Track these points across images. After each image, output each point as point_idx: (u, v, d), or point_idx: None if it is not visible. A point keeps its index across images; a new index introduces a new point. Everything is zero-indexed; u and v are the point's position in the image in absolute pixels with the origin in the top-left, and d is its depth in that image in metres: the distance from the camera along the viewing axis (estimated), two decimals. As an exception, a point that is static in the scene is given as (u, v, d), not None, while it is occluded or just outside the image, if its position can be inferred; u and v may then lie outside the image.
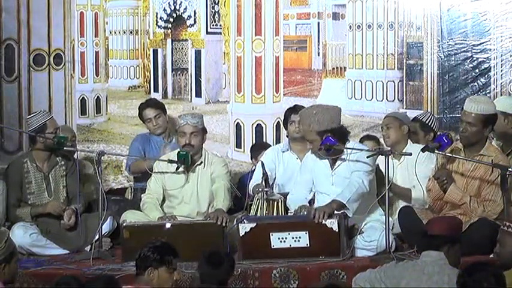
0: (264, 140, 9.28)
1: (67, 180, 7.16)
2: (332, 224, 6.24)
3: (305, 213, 6.44)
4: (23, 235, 6.80)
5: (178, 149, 7.02)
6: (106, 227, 6.93)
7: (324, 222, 6.22)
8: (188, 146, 6.95)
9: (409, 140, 7.17)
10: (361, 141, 7.64)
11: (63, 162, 7.19)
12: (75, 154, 7.46)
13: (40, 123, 7.03)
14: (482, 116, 6.41)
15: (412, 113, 7.96)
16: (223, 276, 5.27)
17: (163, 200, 7.10)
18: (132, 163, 7.76)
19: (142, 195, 7.15)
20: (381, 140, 7.79)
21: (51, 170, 7.14)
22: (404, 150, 6.97)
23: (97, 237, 6.68)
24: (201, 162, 7.04)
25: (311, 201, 6.79)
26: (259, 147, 8.19)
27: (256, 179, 6.96)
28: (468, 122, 6.42)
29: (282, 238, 6.28)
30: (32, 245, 6.85)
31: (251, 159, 8.17)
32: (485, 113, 6.42)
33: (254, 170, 7.28)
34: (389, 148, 6.93)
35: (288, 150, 7.37)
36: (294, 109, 7.38)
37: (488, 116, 6.43)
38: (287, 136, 7.53)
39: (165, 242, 5.39)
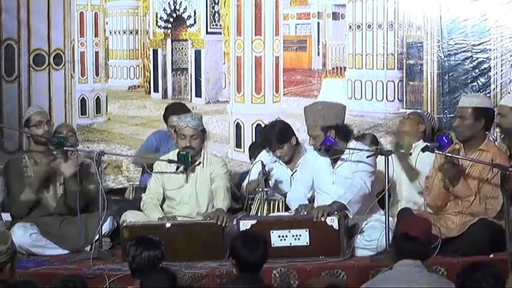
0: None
1: (66, 180, 7.14)
2: (332, 221, 6.24)
3: (305, 213, 6.44)
4: (23, 235, 6.79)
5: (178, 149, 7.00)
6: (106, 227, 6.92)
7: (324, 220, 6.23)
8: (188, 149, 6.91)
9: (421, 140, 7.12)
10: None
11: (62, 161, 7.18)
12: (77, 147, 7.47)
13: (26, 117, 7.09)
14: (472, 109, 6.45)
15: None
16: (260, 261, 5.08)
17: (164, 200, 7.09)
18: (140, 151, 7.77)
19: (142, 195, 7.15)
20: (380, 140, 7.81)
21: (49, 165, 7.13)
22: (414, 145, 6.95)
23: (97, 237, 6.66)
24: (200, 162, 7.00)
25: (310, 201, 6.78)
26: (256, 146, 8.20)
27: (252, 178, 6.98)
28: (460, 116, 6.48)
29: (282, 236, 6.27)
30: (32, 245, 6.83)
31: (250, 159, 8.17)
32: (476, 106, 6.47)
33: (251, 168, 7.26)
34: (389, 148, 6.92)
35: (276, 161, 7.30)
36: (270, 145, 7.18)
37: (480, 109, 6.47)
38: None
39: (141, 237, 5.34)
